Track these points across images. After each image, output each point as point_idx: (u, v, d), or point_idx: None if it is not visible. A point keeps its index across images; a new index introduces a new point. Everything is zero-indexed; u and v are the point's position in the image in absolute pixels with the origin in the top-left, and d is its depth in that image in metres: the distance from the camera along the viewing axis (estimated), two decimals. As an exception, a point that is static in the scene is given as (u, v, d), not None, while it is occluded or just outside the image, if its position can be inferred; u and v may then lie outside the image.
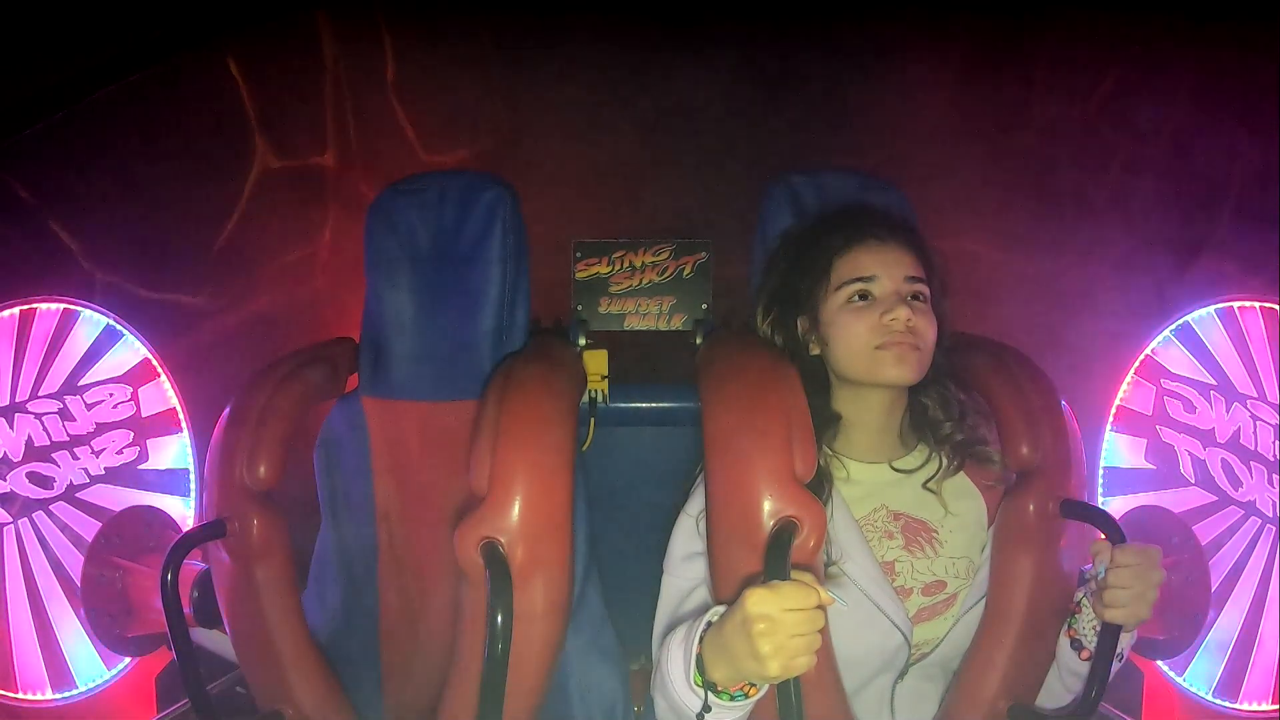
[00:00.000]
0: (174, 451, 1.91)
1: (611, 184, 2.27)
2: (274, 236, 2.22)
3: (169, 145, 1.98)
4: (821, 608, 0.97)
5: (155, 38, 1.85)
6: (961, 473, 1.37)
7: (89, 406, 1.79)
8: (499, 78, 2.28)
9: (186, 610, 1.54)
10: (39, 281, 1.73)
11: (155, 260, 1.99)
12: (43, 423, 1.73)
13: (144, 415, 1.87)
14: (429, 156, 2.32)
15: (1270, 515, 1.74)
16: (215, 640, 1.61)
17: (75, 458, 1.77)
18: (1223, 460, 1.78)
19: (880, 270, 1.30)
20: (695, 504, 1.28)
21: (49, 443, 1.74)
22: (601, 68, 2.26)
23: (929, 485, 1.34)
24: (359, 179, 2.29)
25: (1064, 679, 1.33)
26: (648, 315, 1.87)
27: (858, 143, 2.27)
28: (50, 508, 1.74)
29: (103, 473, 1.81)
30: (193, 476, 1.92)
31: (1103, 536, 1.24)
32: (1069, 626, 1.30)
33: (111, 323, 1.82)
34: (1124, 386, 1.91)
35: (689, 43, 2.21)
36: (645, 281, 1.86)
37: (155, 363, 1.88)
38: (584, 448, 1.69)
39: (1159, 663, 1.80)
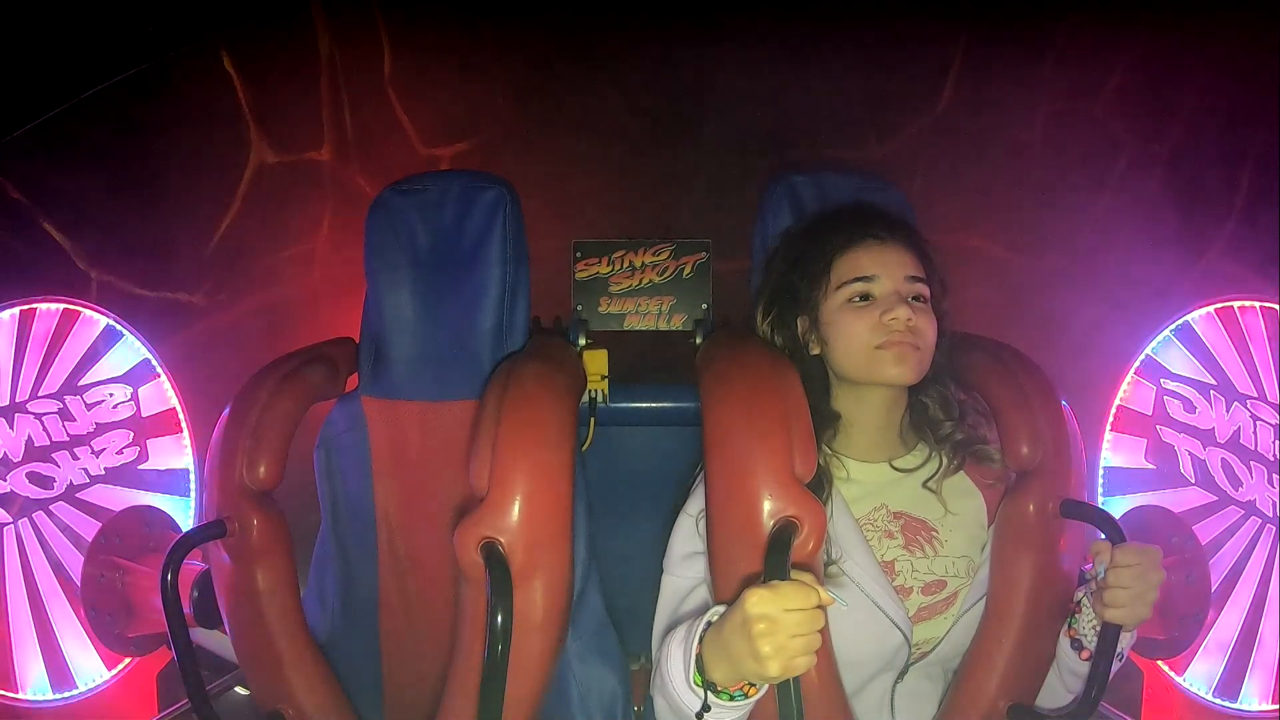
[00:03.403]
0: (174, 451, 1.91)
1: (612, 184, 2.26)
2: (271, 232, 2.20)
3: (164, 142, 1.96)
4: (821, 608, 0.97)
5: (148, 34, 1.83)
6: (961, 472, 1.37)
7: (89, 406, 1.79)
8: (498, 70, 2.25)
9: (186, 610, 1.54)
10: (34, 282, 1.72)
11: (152, 258, 1.98)
12: (43, 423, 1.73)
13: (144, 415, 1.87)
14: (427, 150, 2.28)
15: (1270, 515, 1.74)
16: (215, 640, 1.61)
17: (75, 458, 1.77)
18: (1223, 460, 1.78)
19: (880, 270, 1.30)
20: (695, 503, 1.28)
21: (49, 443, 1.74)
22: (602, 63, 2.23)
23: (929, 484, 1.34)
24: (356, 173, 2.27)
25: (1064, 679, 1.33)
26: (648, 315, 1.87)
27: (860, 138, 2.25)
28: (50, 508, 1.74)
29: (103, 473, 1.81)
30: (193, 476, 1.92)
31: (1103, 536, 1.24)
32: (1069, 626, 1.30)
33: (111, 323, 1.82)
34: (1124, 386, 1.91)
35: (691, 39, 2.20)
36: (645, 281, 1.86)
37: (155, 363, 1.88)
38: (584, 448, 1.69)
39: (1159, 662, 1.80)
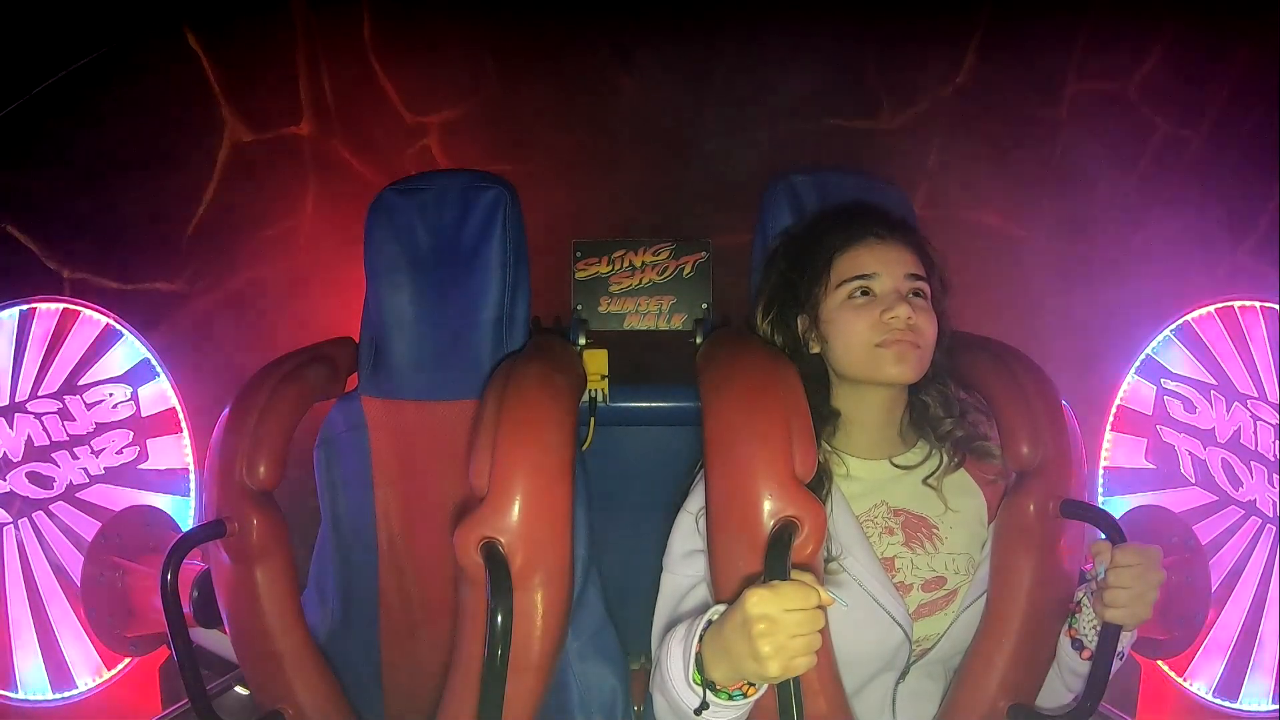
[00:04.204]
0: (174, 451, 1.91)
1: (611, 183, 2.24)
2: (252, 212, 2.13)
3: (128, 129, 1.90)
4: (822, 607, 0.98)
5: (103, 18, 1.75)
6: (962, 469, 1.37)
7: (89, 406, 1.79)
8: (486, 30, 2.15)
9: (186, 610, 1.54)
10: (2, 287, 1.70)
11: (126, 251, 1.94)
12: (43, 423, 1.73)
13: (144, 415, 1.87)
14: (414, 118, 2.20)
15: (1270, 515, 1.74)
16: (215, 640, 1.61)
17: (75, 458, 1.77)
18: (1223, 460, 1.78)
19: (880, 268, 1.30)
20: (695, 501, 1.28)
21: (49, 443, 1.74)
22: (597, 23, 2.14)
23: (929, 481, 1.34)
24: (339, 145, 2.19)
25: (1065, 678, 1.33)
26: (648, 315, 1.87)
27: (873, 108, 2.18)
28: (50, 508, 1.74)
29: (103, 473, 1.81)
30: (193, 476, 1.92)
31: (1103, 536, 1.24)
32: (1070, 626, 1.30)
33: (111, 322, 1.82)
34: (1124, 386, 1.91)
35: (691, 33, 2.17)
36: (645, 281, 1.87)
37: (155, 362, 1.88)
38: (584, 448, 1.69)
39: (1159, 662, 1.80)
